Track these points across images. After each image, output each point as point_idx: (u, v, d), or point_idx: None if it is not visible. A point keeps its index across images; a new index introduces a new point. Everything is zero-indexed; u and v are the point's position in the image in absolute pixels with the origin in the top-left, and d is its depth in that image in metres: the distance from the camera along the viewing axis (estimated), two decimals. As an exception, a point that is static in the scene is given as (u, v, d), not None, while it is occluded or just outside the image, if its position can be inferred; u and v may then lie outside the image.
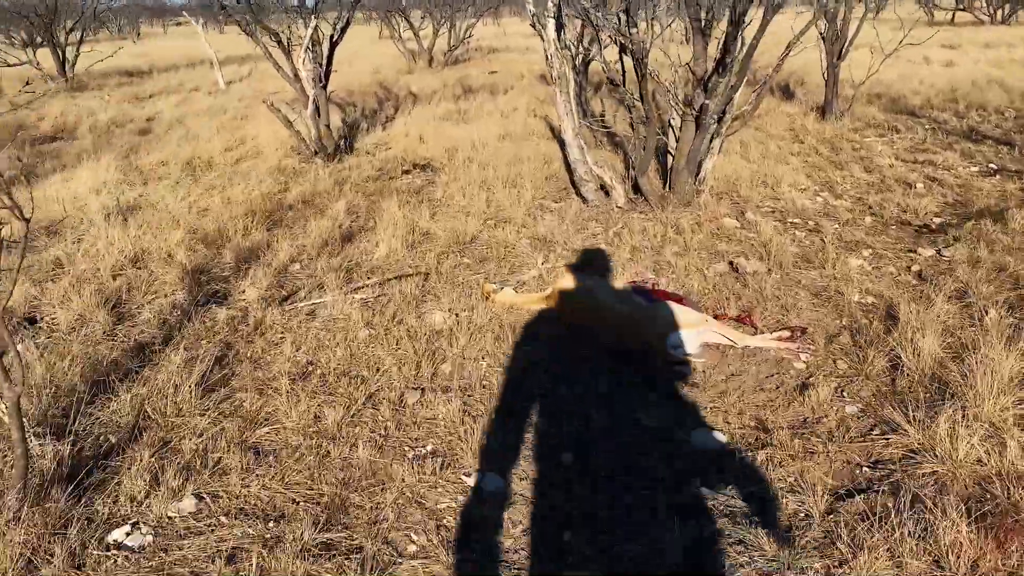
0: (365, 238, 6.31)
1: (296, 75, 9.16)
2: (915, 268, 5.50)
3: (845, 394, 3.90)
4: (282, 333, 4.70)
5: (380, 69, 20.39)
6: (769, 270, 5.46)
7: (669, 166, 7.18)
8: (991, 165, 8.33)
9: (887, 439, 3.46)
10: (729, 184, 7.57)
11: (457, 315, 4.86)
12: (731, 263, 5.60)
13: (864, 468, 3.31)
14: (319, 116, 9.35)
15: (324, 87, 9.37)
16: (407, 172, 8.76)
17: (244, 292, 5.34)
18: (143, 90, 17.76)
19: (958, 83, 13.82)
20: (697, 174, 7.01)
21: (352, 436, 3.61)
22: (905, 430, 3.44)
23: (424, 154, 9.53)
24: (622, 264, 5.66)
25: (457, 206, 7.15)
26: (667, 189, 7.08)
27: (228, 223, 6.69)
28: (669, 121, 6.99)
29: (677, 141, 6.94)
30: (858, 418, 3.70)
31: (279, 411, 3.77)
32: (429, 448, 3.54)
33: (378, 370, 4.19)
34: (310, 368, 4.26)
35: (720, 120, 6.56)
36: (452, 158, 9.17)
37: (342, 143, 9.76)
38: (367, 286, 5.36)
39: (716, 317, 4.66)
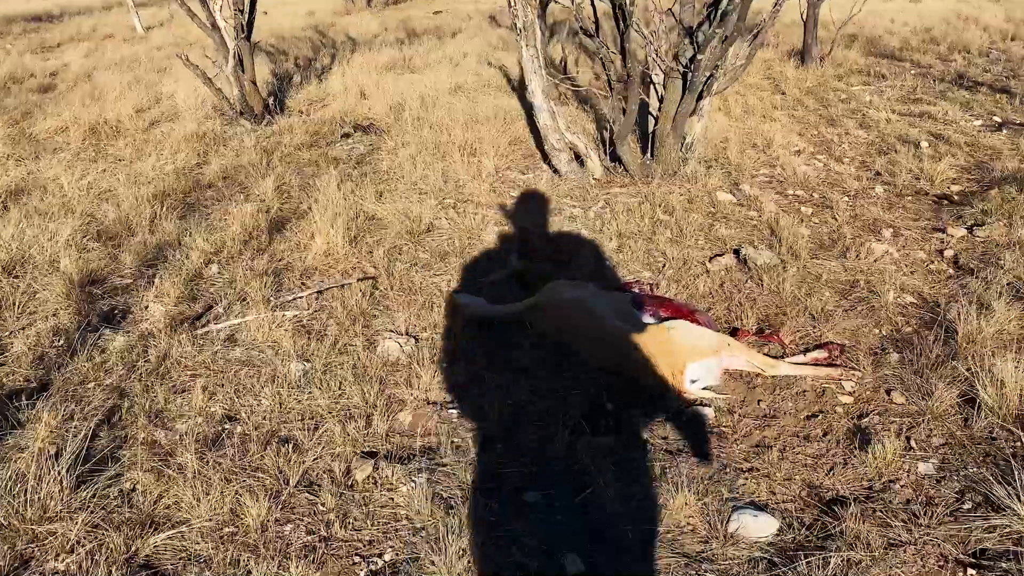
0: (298, 227, 5.24)
1: (214, 24, 7.86)
2: (948, 253, 4.69)
3: (912, 442, 3.05)
4: (192, 371, 3.66)
5: (314, 11, 18.78)
6: (783, 262, 4.57)
7: (650, 130, 6.20)
8: (994, 118, 7.55)
9: (987, 520, 2.62)
10: (716, 148, 6.63)
11: (417, 339, 3.88)
12: (737, 252, 4.69)
13: (969, 570, 2.47)
14: (243, 71, 8.10)
15: (248, 37, 8.10)
16: (347, 136, 7.62)
17: (147, 308, 4.27)
18: (51, 38, 15.99)
19: (929, 21, 13.01)
20: (683, 140, 6.04)
21: (282, 542, 2.64)
22: (1010, 506, 2.61)
23: (366, 113, 8.37)
24: (610, 257, 4.72)
25: (408, 181, 6.09)
26: (649, 157, 6.11)
27: (133, 211, 5.53)
28: (650, 78, 5.98)
29: (661, 101, 5.95)
30: (938, 481, 2.87)
31: (183, 503, 2.77)
32: (387, 558, 2.60)
33: (316, 427, 3.21)
34: (226, 427, 3.25)
35: (711, 77, 5.57)
36: (399, 117, 8.05)
37: (271, 101, 8.53)
38: (301, 299, 4.32)
39: (735, 333, 3.76)
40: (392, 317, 4.14)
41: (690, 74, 5.58)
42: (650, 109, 6.17)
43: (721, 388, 3.45)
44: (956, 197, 5.59)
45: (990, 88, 8.65)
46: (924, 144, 6.72)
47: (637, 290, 4.24)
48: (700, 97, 5.79)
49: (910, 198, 5.61)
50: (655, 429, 3.20)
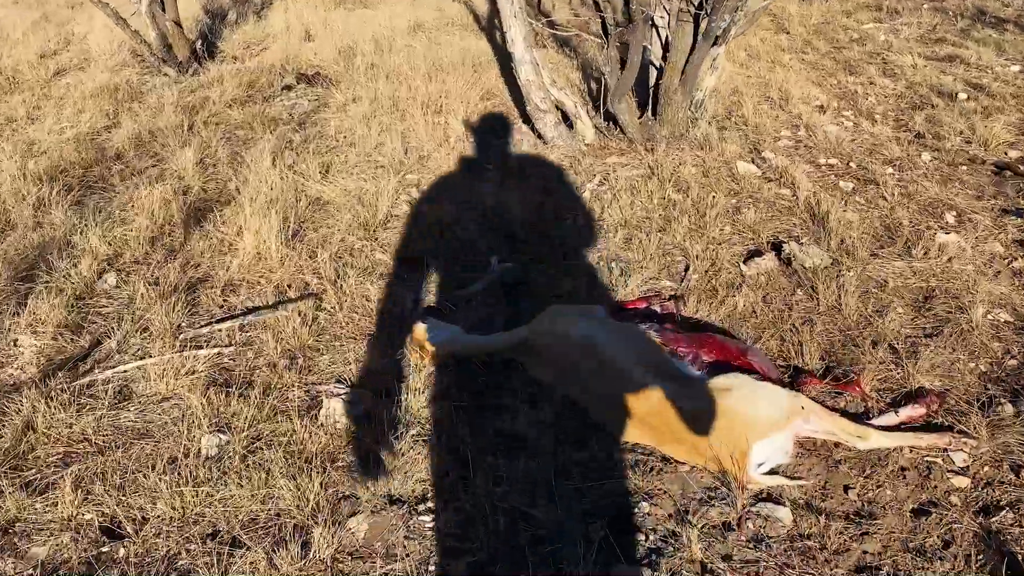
0: (223, 219, 4.12)
1: (122, -47, 6.51)
2: (1031, 244, 3.74)
3: (1070, 559, 2.14)
4: (65, 449, 2.63)
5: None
6: (836, 262, 3.60)
7: (651, 84, 5.12)
8: (1033, 62, 6.56)
9: None
10: (726, 102, 5.57)
11: (374, 393, 2.85)
12: (778, 249, 3.71)
13: None
14: (163, 10, 6.79)
15: (166, -31, 6.76)
16: (288, 88, 6.42)
17: (16, 344, 3.18)
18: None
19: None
20: (692, 96, 4.98)
21: None
22: None
23: (312, 59, 7.14)
24: (616, 256, 3.71)
25: (361, 150, 4.97)
26: (650, 116, 5.04)
27: (13, 195, 4.36)
28: (653, 21, 4.87)
29: (666, 49, 4.86)
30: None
31: None
32: None
33: (231, 553, 2.20)
34: (105, 550, 2.24)
35: (731, 20, 4.50)
36: (350, 64, 6.84)
37: (199, 45, 7.23)
38: (220, 329, 3.26)
39: (799, 379, 2.80)
40: (341, 354, 3.11)
41: (705, 16, 4.49)
42: (651, 58, 5.07)
43: (793, 468, 2.51)
44: (1018, 165, 4.63)
45: (1016, 26, 7.65)
46: (963, 96, 5.74)
47: (658, 308, 3.25)
48: (715, 44, 4.71)
49: (965, 168, 4.65)
50: (713, 545, 2.25)
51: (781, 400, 2.51)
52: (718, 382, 2.53)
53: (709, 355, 2.76)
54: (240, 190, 4.40)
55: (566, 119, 5.03)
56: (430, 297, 3.48)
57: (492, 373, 2.95)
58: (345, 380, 2.95)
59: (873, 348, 3.02)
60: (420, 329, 3.03)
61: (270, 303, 3.40)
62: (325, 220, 4.16)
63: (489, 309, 3.37)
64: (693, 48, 4.71)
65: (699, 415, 2.45)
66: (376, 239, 3.97)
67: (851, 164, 4.72)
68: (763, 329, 3.20)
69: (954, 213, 4.11)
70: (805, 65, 6.61)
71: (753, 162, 4.70)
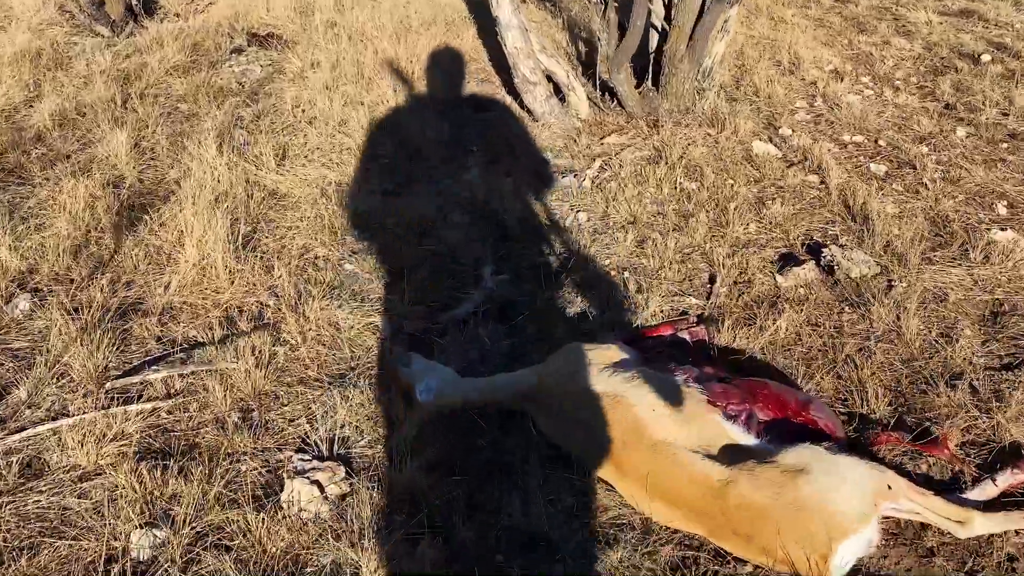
0: (160, 221, 3.45)
1: None
2: (1097, 242, 3.23)
3: None
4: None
5: None
6: (884, 269, 3.06)
7: (650, 50, 4.49)
8: (1053, 18, 6.02)
9: None
10: (732, 68, 4.96)
11: (349, 466, 2.28)
12: (816, 254, 3.16)
13: None
14: (91, -39, 5.94)
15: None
16: (238, 52, 5.66)
17: (-102, 396, 2.54)
18: None
19: None
20: (699, 64, 4.37)
21: None
22: None
23: (264, 16, 6.34)
24: (629, 266, 3.14)
25: (322, 127, 4.28)
26: (651, 87, 4.42)
27: (-92, 193, 3.65)
28: (655, -24, 4.23)
29: (669, 10, 4.22)
30: None
31: None
32: None
33: None
34: None
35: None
36: (307, 23, 6.08)
37: (135, 1, 6.39)
38: (154, 380, 2.64)
39: (873, 439, 2.27)
40: (306, 404, 2.52)
41: (719, -27, 3.86)
42: (651, 19, 4.43)
43: (878, 560, 1.99)
44: (1065, 143, 4.11)
45: (1028, -24, 7.06)
46: (986, 58, 5.19)
47: (687, 335, 2.70)
48: (730, 3, 4.09)
49: (1006, 146, 4.12)
50: None
51: (866, 483, 1.98)
52: (788, 459, 1.99)
53: (765, 412, 2.22)
54: (181, 182, 3.71)
55: (557, 91, 4.39)
56: (413, 322, 2.87)
57: (492, 424, 2.38)
58: (312, 446, 2.36)
59: (949, 388, 2.48)
60: (405, 376, 2.44)
61: (216, 343, 2.76)
62: (283, 220, 3.51)
63: (484, 336, 2.77)
64: (703, 8, 4.07)
65: (767, 507, 1.91)
66: (345, 244, 3.34)
67: (880, 142, 4.16)
68: (812, 360, 2.67)
69: (1005, 202, 3.59)
70: (810, 22, 6.00)
71: (771, 141, 4.12)
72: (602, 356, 2.37)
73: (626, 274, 3.14)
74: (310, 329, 2.83)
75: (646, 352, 2.64)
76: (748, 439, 2.12)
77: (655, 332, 2.76)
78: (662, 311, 2.89)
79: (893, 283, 3.03)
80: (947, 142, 4.15)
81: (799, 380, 2.56)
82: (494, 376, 2.52)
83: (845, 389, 2.55)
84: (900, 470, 2.21)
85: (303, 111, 4.58)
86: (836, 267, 3.09)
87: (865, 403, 2.47)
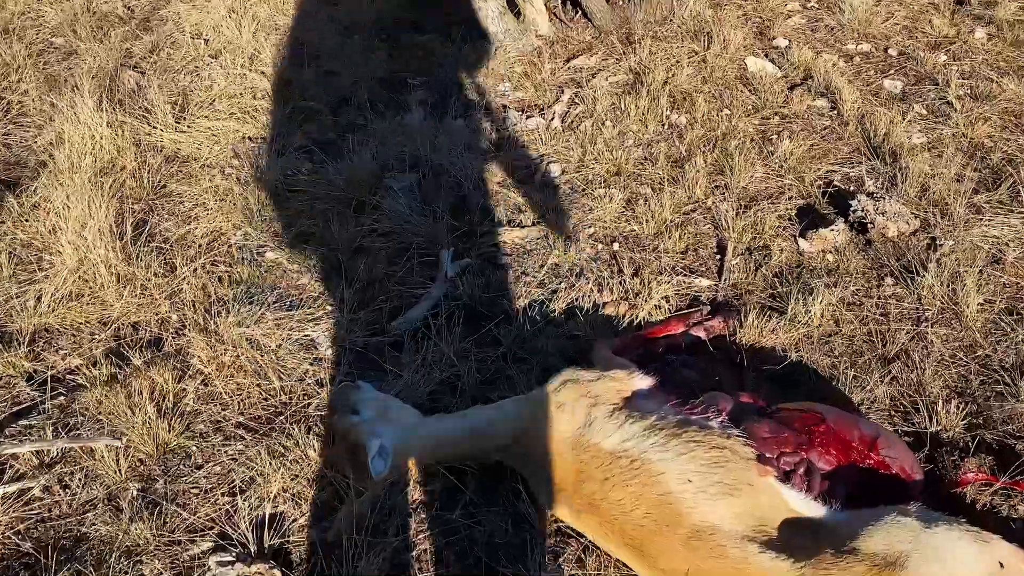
0: (30, 204, 2.72)
1: None
2: None
3: None
4: None
5: None
6: (924, 223, 2.52)
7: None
8: None
9: None
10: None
11: (284, 563, 1.70)
12: (841, 205, 2.59)
13: None
14: None
15: None
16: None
17: None
18: None
19: None
20: (678, -38, 3.65)
21: None
22: None
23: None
24: (618, 236, 2.54)
25: (230, 66, 3.49)
26: (622, -7, 3.71)
27: None
28: None
29: None
30: None
31: None
32: None
33: None
34: None
35: None
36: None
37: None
38: (26, 440, 2.01)
39: (959, 479, 1.77)
40: (224, 466, 1.91)
41: None
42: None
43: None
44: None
45: None
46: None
47: (702, 333, 2.15)
48: None
49: (1033, 53, 3.51)
50: None
51: (976, 567, 1.46)
52: (874, 544, 1.48)
53: (826, 458, 1.69)
54: (54, 151, 2.95)
55: (512, 5, 3.64)
56: (356, 335, 2.25)
57: (472, 481, 1.81)
58: (235, 532, 1.77)
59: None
60: (350, 430, 1.83)
61: (103, 378, 2.11)
62: (186, 194, 2.81)
63: (449, 352, 2.17)
64: None
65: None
66: (265, 224, 2.66)
67: (890, 51, 3.53)
68: (857, 356, 2.13)
69: (1047, 129, 3.02)
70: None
71: (767, 56, 3.47)
72: (609, 390, 1.80)
73: (616, 246, 2.53)
74: (225, 352, 2.19)
75: (655, 362, 2.07)
76: (813, 508, 1.59)
77: (663, 331, 2.19)
78: (669, 302, 2.30)
79: (937, 241, 2.48)
80: (966, 47, 3.54)
81: (848, 390, 2.02)
82: (469, 414, 1.92)
83: (904, 397, 2.02)
84: (994, 518, 1.71)
85: (206, 42, 3.76)
86: (869, 224, 2.52)
87: (933, 417, 1.95)
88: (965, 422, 1.95)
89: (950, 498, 1.77)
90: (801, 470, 1.66)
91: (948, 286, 2.30)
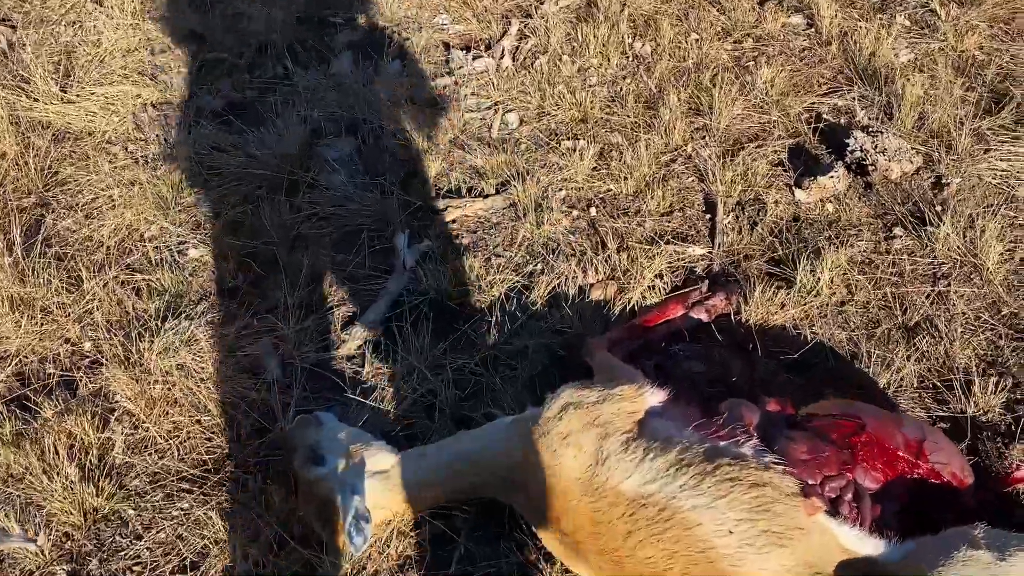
0: None
1: None
2: None
3: None
4: None
5: None
6: (928, 160, 2.27)
7: None
8: None
9: None
10: None
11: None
12: (836, 144, 2.33)
13: None
14: None
15: None
16: None
17: None
18: None
19: None
20: None
21: None
22: None
23: None
24: (587, 191, 2.24)
25: (118, 14, 2.97)
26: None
27: None
28: None
29: None
30: None
31: None
32: None
33: None
34: None
35: None
36: None
37: None
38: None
39: (1009, 478, 1.56)
40: (170, 534, 1.60)
41: None
42: None
43: None
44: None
45: None
46: None
47: (704, 315, 1.89)
48: None
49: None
50: None
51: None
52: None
53: (872, 475, 1.47)
54: (-85, 139, 2.45)
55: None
56: (307, 349, 1.91)
57: (465, 527, 1.55)
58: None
59: (1071, 357, 1.77)
60: (316, 485, 1.53)
61: (10, 435, 1.75)
62: (84, 181, 2.36)
63: (420, 365, 1.85)
64: None
65: None
66: (183, 216, 2.25)
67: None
68: (875, 326, 1.89)
69: (1036, 29, 2.75)
70: None
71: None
72: (620, 414, 1.53)
73: (593, 211, 2.22)
74: (154, 385, 1.83)
75: (656, 355, 1.81)
76: (869, 544, 1.37)
77: (661, 316, 1.92)
78: (662, 279, 2.01)
79: (943, 180, 2.23)
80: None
81: (872, 371, 1.79)
82: (453, 446, 1.63)
83: (934, 374, 1.80)
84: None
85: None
86: (870, 167, 2.25)
87: (969, 398, 1.73)
88: (1003, 400, 1.74)
89: (1004, 498, 1.57)
90: (849, 495, 1.43)
91: (964, 235, 2.05)
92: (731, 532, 1.33)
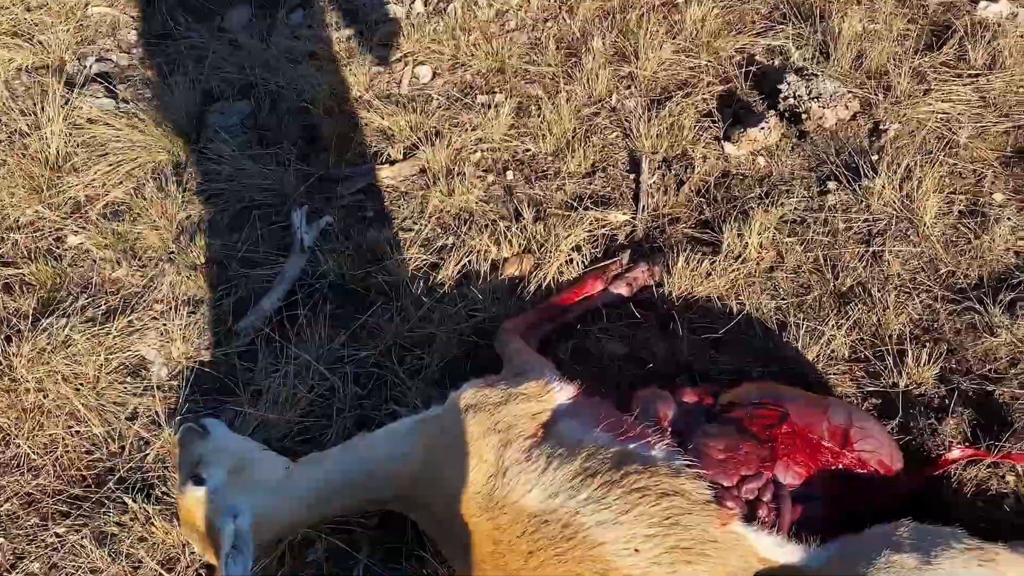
0: None
1: None
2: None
3: None
4: None
5: None
6: (865, 104, 2.13)
7: None
8: None
9: None
10: None
11: None
12: (767, 90, 2.18)
13: None
14: None
15: None
16: None
17: None
18: None
19: None
20: None
21: None
22: None
23: None
24: (503, 147, 2.07)
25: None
26: None
27: None
28: None
29: None
30: None
31: None
32: None
33: None
34: None
35: None
36: None
37: None
38: None
39: (941, 461, 1.47)
40: (36, 555, 1.46)
41: None
42: None
43: None
44: None
45: None
46: None
47: (624, 289, 1.76)
48: None
49: None
50: None
51: (986, 604, 1.18)
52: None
53: (793, 469, 1.37)
54: None
55: None
56: (196, 345, 1.74)
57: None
58: None
59: (1006, 314, 1.66)
60: (201, 511, 1.39)
61: None
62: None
63: (317, 363, 1.70)
64: None
65: None
66: (60, 198, 2.04)
67: None
68: (806, 293, 1.77)
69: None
70: None
71: None
72: (523, 417, 1.39)
73: (510, 175, 2.04)
74: (26, 393, 1.66)
75: (572, 337, 1.67)
76: (788, 551, 1.27)
77: (578, 294, 1.77)
78: (580, 252, 1.86)
79: (881, 125, 2.08)
80: None
81: (802, 343, 1.67)
82: (348, 455, 1.49)
83: (866, 346, 1.68)
84: (984, 499, 1.43)
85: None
86: (804, 115, 2.08)
87: (902, 370, 1.62)
88: (937, 372, 1.63)
89: (934, 484, 1.47)
90: (767, 496, 1.32)
91: (901, 188, 1.92)
92: (637, 551, 1.21)
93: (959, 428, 1.55)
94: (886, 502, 1.41)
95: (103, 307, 1.84)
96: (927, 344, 1.68)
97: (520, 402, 1.41)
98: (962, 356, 1.66)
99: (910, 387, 1.62)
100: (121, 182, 2.05)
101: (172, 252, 1.91)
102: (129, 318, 1.81)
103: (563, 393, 1.44)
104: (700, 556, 1.22)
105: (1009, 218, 1.87)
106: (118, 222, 1.98)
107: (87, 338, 1.76)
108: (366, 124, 2.19)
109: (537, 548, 1.26)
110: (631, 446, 1.34)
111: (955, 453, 1.48)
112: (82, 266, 1.93)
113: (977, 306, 1.71)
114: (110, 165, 2.09)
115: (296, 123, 2.18)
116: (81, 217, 2.01)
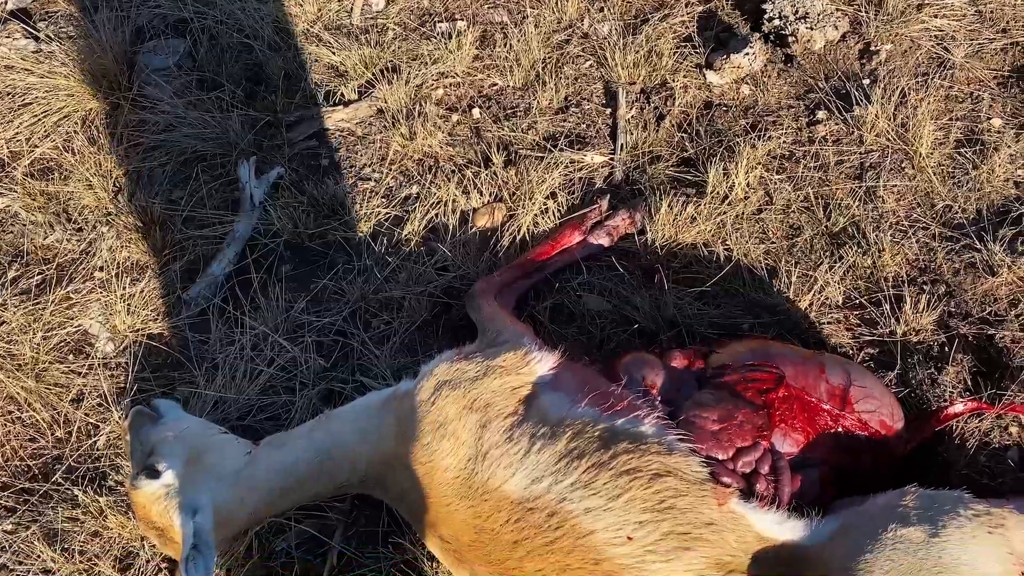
0: None
1: None
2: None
3: None
4: None
5: None
6: (854, 24, 1.97)
7: None
8: None
9: None
10: None
11: None
12: (759, 17, 2.00)
13: None
14: None
15: None
16: None
17: None
18: None
19: None
20: None
21: None
22: None
23: None
24: (466, 83, 1.89)
25: None
26: None
27: None
28: None
29: None
30: None
31: None
32: None
33: None
34: None
35: None
36: None
37: None
38: None
39: (942, 415, 1.39)
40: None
41: None
42: None
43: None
44: None
45: None
46: None
47: (605, 240, 1.65)
48: None
49: None
50: None
51: (993, 566, 1.12)
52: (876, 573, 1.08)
53: (791, 436, 1.28)
54: None
55: None
56: (143, 316, 1.59)
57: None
58: None
59: (1007, 252, 1.56)
60: (156, 508, 1.27)
61: None
62: None
63: (276, 338, 1.56)
64: None
65: None
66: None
67: None
68: (796, 236, 1.64)
69: None
70: None
71: None
72: (502, 392, 1.28)
73: (476, 113, 1.86)
74: (-41, 381, 1.50)
75: (552, 295, 1.54)
76: (788, 527, 1.18)
77: (556, 246, 1.63)
78: (555, 200, 1.70)
79: (872, 47, 1.92)
80: None
81: (793, 291, 1.55)
82: (314, 435, 1.36)
83: (861, 292, 1.57)
84: (988, 455, 1.36)
85: None
86: (791, 37, 1.91)
87: (898, 317, 1.52)
88: (935, 317, 1.53)
89: (936, 440, 1.39)
90: (765, 468, 1.22)
91: (895, 116, 1.77)
92: (630, 538, 1.12)
93: (959, 377, 1.46)
94: (887, 465, 1.32)
95: (37, 277, 1.66)
96: (925, 287, 1.57)
97: (498, 376, 1.29)
98: (961, 299, 1.56)
99: (908, 334, 1.52)
100: (48, 135, 1.84)
101: (110, 213, 1.72)
102: (67, 289, 1.64)
103: (543, 363, 1.32)
104: (696, 541, 1.13)
105: (1008, 145, 1.74)
106: (47, 181, 1.79)
107: (21, 314, 1.60)
108: (315, 60, 1.98)
109: (523, 538, 1.16)
110: (619, 422, 1.23)
111: (957, 407, 1.40)
112: (10, 232, 1.75)
113: (976, 243, 1.60)
114: (34, 117, 1.87)
115: (238, 62, 1.96)
116: (5, 177, 1.81)
